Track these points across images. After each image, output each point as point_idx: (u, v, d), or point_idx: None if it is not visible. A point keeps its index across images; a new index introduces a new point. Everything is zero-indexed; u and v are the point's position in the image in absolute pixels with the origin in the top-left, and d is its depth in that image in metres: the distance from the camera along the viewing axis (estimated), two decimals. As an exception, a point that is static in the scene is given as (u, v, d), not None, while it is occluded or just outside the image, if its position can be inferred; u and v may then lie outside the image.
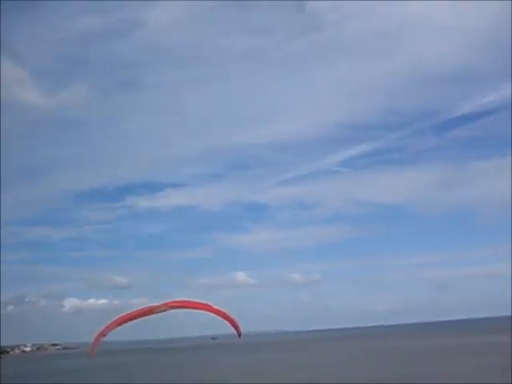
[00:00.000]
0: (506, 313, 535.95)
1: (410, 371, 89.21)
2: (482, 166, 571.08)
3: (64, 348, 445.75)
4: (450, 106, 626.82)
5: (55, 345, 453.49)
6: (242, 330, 26.61)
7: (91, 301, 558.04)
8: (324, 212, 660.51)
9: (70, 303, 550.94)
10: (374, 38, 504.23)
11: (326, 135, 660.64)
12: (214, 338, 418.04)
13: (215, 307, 25.82)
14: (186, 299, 25.70)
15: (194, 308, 25.74)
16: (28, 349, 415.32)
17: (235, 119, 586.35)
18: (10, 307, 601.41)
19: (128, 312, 24.98)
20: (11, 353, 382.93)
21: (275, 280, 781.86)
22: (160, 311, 25.06)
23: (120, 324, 24.85)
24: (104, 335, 24.66)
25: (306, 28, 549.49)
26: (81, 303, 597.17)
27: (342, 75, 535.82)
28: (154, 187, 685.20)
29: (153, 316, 25.76)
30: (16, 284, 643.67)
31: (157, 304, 25.01)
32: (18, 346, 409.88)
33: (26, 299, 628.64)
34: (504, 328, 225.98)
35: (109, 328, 24.84)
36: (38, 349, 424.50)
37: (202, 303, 25.79)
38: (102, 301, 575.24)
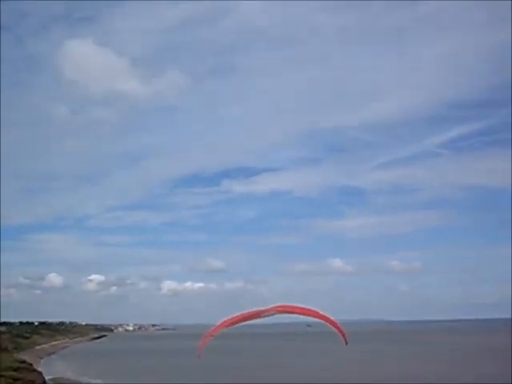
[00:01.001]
0: None
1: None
2: None
3: (162, 329, 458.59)
4: None
5: (154, 325, 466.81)
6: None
7: (188, 284, 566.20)
8: (425, 197, 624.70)
9: (167, 286, 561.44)
10: (480, 8, 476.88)
11: (427, 115, 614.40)
12: (308, 325, 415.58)
13: (323, 313, 24.75)
14: (293, 305, 24.79)
15: (302, 314, 24.81)
16: (130, 328, 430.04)
17: (332, 101, 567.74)
18: (113, 288, 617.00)
19: (235, 315, 24.32)
20: (115, 331, 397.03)
21: (373, 267, 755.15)
22: (268, 315, 24.28)
23: (227, 326, 24.25)
24: (212, 336, 24.14)
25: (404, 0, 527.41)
26: (178, 286, 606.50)
27: (444, 50, 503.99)
28: (248, 172, 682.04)
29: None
30: (118, 266, 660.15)
31: (264, 308, 24.21)
32: (121, 325, 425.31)
33: (128, 281, 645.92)
34: None
35: (216, 330, 24.31)
36: (140, 328, 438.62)
37: (310, 309, 24.80)
38: (199, 284, 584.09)
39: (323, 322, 24.76)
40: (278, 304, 24.37)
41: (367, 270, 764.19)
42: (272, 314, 24.18)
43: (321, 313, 24.78)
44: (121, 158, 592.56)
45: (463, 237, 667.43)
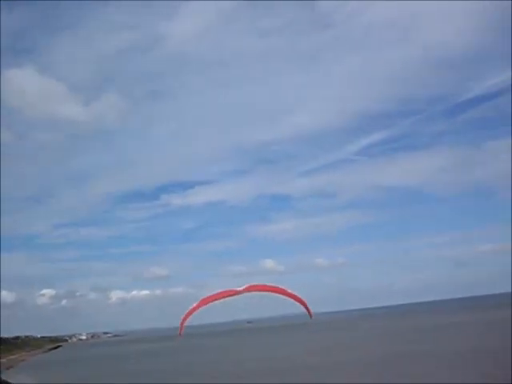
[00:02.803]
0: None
1: (442, 346, 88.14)
2: (497, 145, 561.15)
3: (114, 335, 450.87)
4: (461, 89, 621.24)
5: (106, 333, 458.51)
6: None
7: (134, 292, 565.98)
8: (344, 199, 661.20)
9: (116, 295, 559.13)
10: (384, 29, 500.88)
11: (343, 126, 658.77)
12: (249, 322, 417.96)
13: (289, 291, 25.99)
14: (264, 284, 25.90)
15: (272, 292, 25.93)
16: (83, 337, 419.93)
17: (257, 117, 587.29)
18: (64, 301, 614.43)
19: (211, 294, 25.22)
20: (69, 341, 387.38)
21: (302, 265, 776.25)
22: (241, 293, 25.27)
23: (204, 305, 25.10)
24: (190, 314, 24.93)
25: (317, 25, 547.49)
26: (126, 294, 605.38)
27: (355, 67, 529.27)
28: (184, 186, 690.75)
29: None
30: (67, 280, 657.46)
31: (239, 288, 25.19)
32: (74, 335, 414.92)
33: (77, 293, 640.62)
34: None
35: (194, 309, 25.13)
36: (92, 337, 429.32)
37: (278, 287, 26.02)
38: (145, 291, 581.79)
39: (290, 298, 25.97)
40: (250, 284, 25.47)
41: (296, 268, 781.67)
42: (243, 293, 25.23)
43: (288, 291, 26.03)
44: (66, 178, 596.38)
45: (380, 232, 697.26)
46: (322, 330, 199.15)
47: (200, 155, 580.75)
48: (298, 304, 26.08)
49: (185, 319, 25.03)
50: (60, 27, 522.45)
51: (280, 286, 25.90)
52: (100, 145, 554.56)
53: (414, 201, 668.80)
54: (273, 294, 25.72)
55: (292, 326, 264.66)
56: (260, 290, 25.52)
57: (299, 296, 25.65)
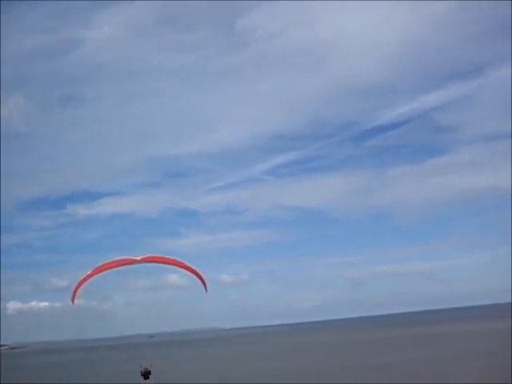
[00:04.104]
0: (418, 308, 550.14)
1: (334, 362, 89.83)
2: (399, 171, 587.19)
3: (11, 348, 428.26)
4: (368, 117, 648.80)
5: (2, 345, 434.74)
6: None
7: (33, 303, 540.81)
8: (251, 217, 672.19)
9: (12, 306, 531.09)
10: (300, 54, 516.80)
11: (254, 145, 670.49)
12: (151, 336, 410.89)
13: (185, 263, 25.84)
14: (160, 255, 25.62)
15: (167, 263, 25.71)
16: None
17: (170, 131, 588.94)
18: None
19: (108, 261, 24.65)
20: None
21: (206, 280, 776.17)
22: (137, 263, 24.87)
23: (98, 272, 24.47)
24: (85, 281, 24.22)
25: (235, 45, 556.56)
26: (23, 306, 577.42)
27: (270, 89, 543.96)
28: (93, 196, 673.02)
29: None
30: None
31: (135, 257, 24.81)
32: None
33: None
34: (415, 321, 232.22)
35: (89, 276, 24.47)
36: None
37: (173, 259, 25.87)
38: (44, 303, 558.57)
39: (186, 270, 25.81)
40: (147, 255, 25.13)
41: (201, 283, 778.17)
42: (140, 262, 24.82)
43: (184, 263, 25.88)
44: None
45: (284, 251, 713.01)
46: (219, 346, 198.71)
47: (111, 165, 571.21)
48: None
49: (78, 287, 24.35)
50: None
51: (176, 259, 25.72)
52: (8, 149, 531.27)
53: (318, 222, 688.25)
54: (168, 265, 25.48)
55: (196, 340, 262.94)
56: (156, 261, 25.27)
57: (195, 268, 25.54)
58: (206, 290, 25.95)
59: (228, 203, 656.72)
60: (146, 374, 25.68)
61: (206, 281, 25.78)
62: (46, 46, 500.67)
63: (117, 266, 24.42)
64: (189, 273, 25.70)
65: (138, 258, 24.45)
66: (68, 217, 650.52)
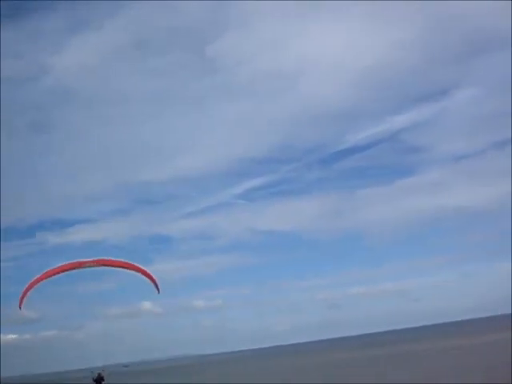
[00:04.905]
0: (394, 327, 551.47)
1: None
2: (368, 193, 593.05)
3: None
4: (337, 139, 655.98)
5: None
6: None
7: (1, 336, 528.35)
8: (224, 242, 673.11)
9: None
10: (270, 79, 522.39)
11: (225, 170, 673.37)
12: (125, 366, 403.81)
13: (136, 265, 26.08)
14: (111, 258, 25.78)
15: (118, 266, 25.87)
16: None
17: (140, 157, 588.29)
18: None
19: (56, 266, 24.72)
20: None
21: (180, 307, 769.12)
22: (86, 266, 24.98)
23: (47, 277, 24.53)
24: (31, 287, 24.22)
25: (205, 70, 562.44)
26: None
27: (240, 114, 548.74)
28: (63, 223, 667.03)
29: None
30: None
31: (85, 260, 24.95)
32: None
33: None
34: (386, 341, 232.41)
35: (37, 281, 24.49)
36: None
37: (125, 262, 26.04)
38: (11, 336, 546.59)
39: (140, 273, 26.00)
40: (98, 258, 25.26)
41: (175, 310, 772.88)
42: (91, 266, 24.95)
43: (135, 264, 26.09)
44: None
45: (257, 275, 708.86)
46: (194, 374, 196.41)
47: (80, 192, 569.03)
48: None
49: (25, 292, 24.32)
50: None
51: (127, 261, 25.92)
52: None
53: (291, 245, 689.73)
54: (119, 268, 25.62)
55: (171, 367, 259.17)
56: (106, 265, 25.39)
57: (146, 270, 25.75)
58: (159, 291, 26.14)
59: (201, 228, 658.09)
60: (98, 380, 25.70)
61: (157, 282, 25.96)
62: (14, 72, 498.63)
63: (67, 270, 24.46)
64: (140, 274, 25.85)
65: (89, 260, 24.58)
66: (38, 245, 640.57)
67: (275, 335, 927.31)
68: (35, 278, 24.38)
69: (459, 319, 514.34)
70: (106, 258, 25.25)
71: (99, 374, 26.08)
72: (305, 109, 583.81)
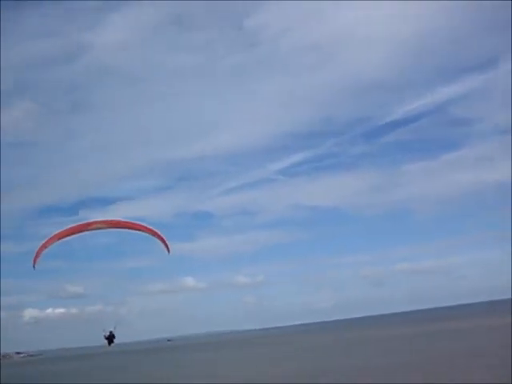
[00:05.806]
0: (437, 304, 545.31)
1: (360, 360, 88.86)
2: (413, 168, 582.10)
3: (28, 355, 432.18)
4: (381, 112, 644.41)
5: (19, 353, 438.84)
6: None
7: (49, 310, 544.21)
8: (266, 218, 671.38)
9: (29, 313, 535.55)
10: (309, 52, 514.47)
11: (265, 145, 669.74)
12: (169, 340, 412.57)
13: (144, 224, 26.25)
14: (120, 219, 26.10)
15: (126, 227, 26.14)
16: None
17: (181, 133, 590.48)
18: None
19: (69, 226, 25.16)
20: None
21: (222, 283, 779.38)
22: (96, 228, 25.37)
23: (58, 239, 25.00)
24: (46, 247, 24.76)
25: (244, 44, 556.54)
26: (40, 313, 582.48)
27: (279, 88, 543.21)
28: (105, 201, 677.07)
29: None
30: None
31: (93, 220, 25.32)
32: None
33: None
34: (433, 318, 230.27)
35: (49, 241, 24.98)
36: (4, 357, 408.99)
37: (135, 223, 26.28)
38: (60, 310, 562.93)
39: (149, 233, 26.28)
40: (106, 218, 25.63)
41: (217, 285, 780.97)
42: (100, 228, 25.34)
43: (146, 225, 26.32)
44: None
45: (300, 251, 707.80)
46: (237, 348, 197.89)
47: (121, 171, 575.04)
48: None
49: (40, 250, 24.86)
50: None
51: (137, 222, 26.19)
52: (14, 156, 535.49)
53: (334, 221, 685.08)
54: (129, 229, 25.95)
55: (213, 343, 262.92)
56: (118, 226, 25.71)
57: (154, 229, 25.99)
58: (169, 252, 26.35)
59: (242, 204, 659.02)
60: (110, 338, 26.31)
61: (167, 242, 26.18)
62: (53, 52, 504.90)
63: (76, 231, 24.91)
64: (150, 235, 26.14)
65: (97, 221, 24.95)
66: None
67: (317, 311, 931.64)
68: (46, 240, 24.90)
69: (505, 297, 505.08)
70: (114, 218, 25.58)
71: (111, 332, 26.67)
72: (347, 81, 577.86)
